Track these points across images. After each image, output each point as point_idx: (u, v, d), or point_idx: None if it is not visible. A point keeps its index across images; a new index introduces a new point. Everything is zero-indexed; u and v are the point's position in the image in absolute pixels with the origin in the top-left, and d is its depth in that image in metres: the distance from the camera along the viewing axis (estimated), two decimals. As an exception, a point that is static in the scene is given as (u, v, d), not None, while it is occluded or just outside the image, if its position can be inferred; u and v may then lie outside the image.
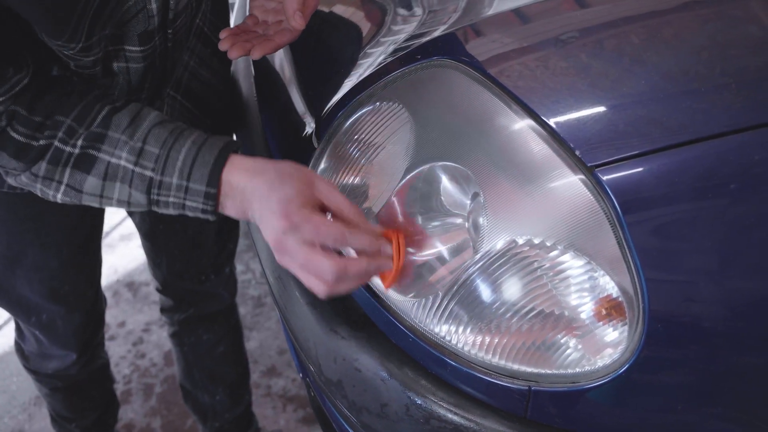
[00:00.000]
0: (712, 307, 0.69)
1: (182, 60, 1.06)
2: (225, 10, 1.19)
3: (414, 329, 0.81)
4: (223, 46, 1.00)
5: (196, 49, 1.10)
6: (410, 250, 0.81)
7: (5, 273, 1.18)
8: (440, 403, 0.79)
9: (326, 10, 1.16)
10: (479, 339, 0.76)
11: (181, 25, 0.95)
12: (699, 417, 0.74)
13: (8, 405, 1.97)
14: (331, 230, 0.75)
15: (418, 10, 1.04)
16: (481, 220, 0.76)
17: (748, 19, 0.82)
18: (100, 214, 1.26)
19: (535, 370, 0.75)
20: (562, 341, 0.73)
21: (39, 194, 0.84)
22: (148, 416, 1.91)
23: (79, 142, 0.81)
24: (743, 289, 0.69)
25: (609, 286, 0.70)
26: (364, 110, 0.89)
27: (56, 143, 0.80)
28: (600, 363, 0.72)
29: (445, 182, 0.82)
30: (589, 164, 0.70)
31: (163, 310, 1.54)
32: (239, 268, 2.31)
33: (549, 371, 0.74)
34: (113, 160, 0.80)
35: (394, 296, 0.82)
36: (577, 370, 0.73)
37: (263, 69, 1.23)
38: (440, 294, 0.77)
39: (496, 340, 0.75)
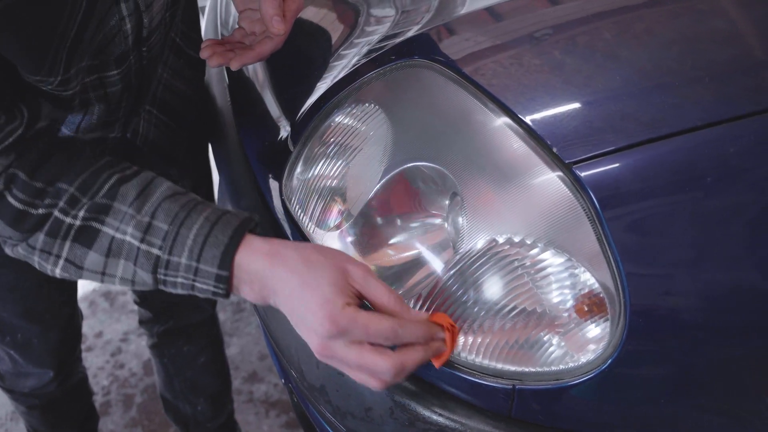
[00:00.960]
0: (691, 300, 0.70)
1: (156, 73, 1.05)
2: (196, 18, 1.18)
3: (396, 331, 0.80)
4: (203, 54, 0.98)
5: (169, 61, 1.08)
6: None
7: None
8: (425, 404, 0.79)
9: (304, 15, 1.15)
10: (462, 339, 0.76)
11: (156, 42, 0.94)
12: (682, 409, 0.74)
13: (-15, 421, 1.93)
14: (381, 329, 0.68)
15: (391, 11, 1.03)
16: (460, 219, 0.76)
17: (714, 13, 0.83)
18: None
19: (519, 369, 0.75)
20: (544, 339, 0.73)
21: (36, 267, 0.78)
22: (129, 427, 1.89)
23: (81, 213, 0.74)
24: (722, 281, 0.69)
25: (590, 282, 0.71)
26: (339, 112, 0.88)
27: (56, 213, 0.74)
28: (583, 359, 0.72)
29: (423, 182, 0.82)
30: (566, 161, 0.70)
31: (141, 322, 1.52)
32: (217, 274, 2.28)
33: (533, 369, 0.74)
34: (118, 235, 0.74)
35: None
36: (561, 367, 0.73)
37: (237, 74, 1.22)
38: (423, 295, 0.76)
39: (479, 340, 0.75)
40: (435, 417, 0.78)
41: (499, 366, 0.75)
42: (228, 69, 1.25)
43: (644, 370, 0.72)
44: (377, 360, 0.68)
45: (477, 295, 0.74)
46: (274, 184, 0.96)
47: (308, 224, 0.89)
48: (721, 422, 0.76)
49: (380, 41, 0.96)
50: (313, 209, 0.89)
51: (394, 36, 0.95)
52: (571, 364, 0.73)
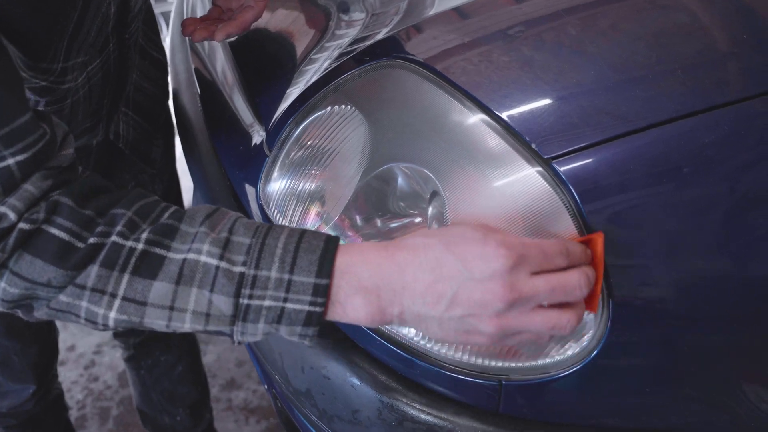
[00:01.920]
0: (672, 290, 0.71)
1: (131, 67, 1.04)
2: (154, 21, 1.18)
3: (381, 332, 0.80)
4: (186, 32, 0.94)
5: (135, 62, 1.08)
6: None
7: None
8: (412, 404, 0.79)
9: (269, 16, 1.15)
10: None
11: (135, 29, 0.94)
12: (666, 398, 0.75)
13: (-44, 441, 1.89)
14: (556, 246, 0.61)
15: (360, 14, 1.03)
16: (441, 218, 0.76)
17: (678, 7, 0.84)
18: None
19: (505, 364, 0.75)
20: (530, 334, 0.74)
21: (83, 320, 0.64)
22: (106, 440, 1.86)
23: (144, 236, 0.62)
24: (702, 270, 0.71)
25: (573, 276, 0.71)
26: (315, 115, 0.88)
27: (113, 238, 0.62)
28: (568, 352, 0.73)
29: (403, 183, 0.82)
30: (545, 156, 0.71)
31: (117, 335, 1.50)
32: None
33: (518, 364, 0.75)
34: (190, 257, 0.62)
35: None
36: (547, 360, 0.73)
37: (207, 81, 1.21)
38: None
39: (465, 338, 0.75)
40: (423, 416, 0.78)
41: (486, 362, 0.76)
42: (198, 74, 1.24)
43: (629, 360, 0.73)
44: (567, 275, 0.60)
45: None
46: (250, 190, 0.96)
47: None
48: (703, 409, 0.77)
49: (352, 43, 0.96)
50: (293, 213, 0.89)
51: (366, 38, 0.95)
52: (556, 357, 0.73)
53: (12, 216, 0.59)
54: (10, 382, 1.28)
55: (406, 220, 0.83)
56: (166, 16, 3.07)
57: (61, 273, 0.61)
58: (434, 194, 0.79)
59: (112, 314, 0.63)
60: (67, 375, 2.02)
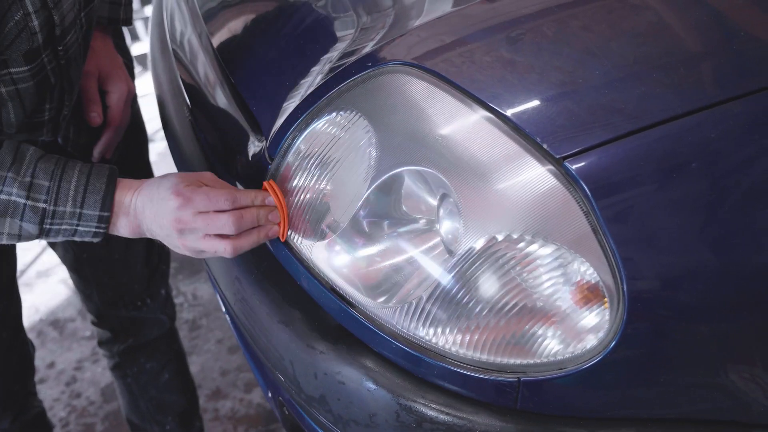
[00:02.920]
0: (685, 281, 0.73)
1: (79, 75, 1.04)
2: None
3: (396, 335, 0.81)
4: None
5: (80, 72, 1.07)
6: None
7: None
8: (430, 405, 0.80)
9: (258, 24, 1.15)
10: (465, 338, 0.77)
11: (72, 42, 0.95)
12: (679, 386, 0.77)
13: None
14: (220, 193, 0.83)
15: (351, 23, 1.04)
16: (454, 220, 0.77)
17: (676, 5, 0.86)
18: (10, 250, 1.19)
19: (523, 361, 0.76)
20: (547, 330, 0.75)
21: None
22: (93, 457, 1.83)
23: None
24: (712, 261, 0.73)
25: (588, 272, 0.73)
26: (319, 122, 0.88)
27: None
28: (586, 346, 0.74)
29: (410, 186, 0.83)
30: (557, 156, 0.72)
31: (101, 343, 1.48)
32: (169, 292, 2.24)
33: (537, 361, 0.76)
34: (2, 197, 0.82)
35: (371, 305, 0.82)
36: (565, 356, 0.75)
37: (195, 91, 1.20)
38: (423, 298, 0.77)
39: (484, 337, 0.76)
40: (442, 416, 0.79)
41: (503, 360, 0.77)
42: (185, 84, 1.23)
43: (643, 351, 0.74)
44: (220, 216, 0.82)
45: (478, 294, 0.76)
46: (252, 198, 0.95)
47: (295, 236, 0.89)
48: (714, 396, 0.79)
49: (348, 52, 0.96)
50: (299, 222, 0.89)
51: (352, 53, 0.94)
52: (573, 353, 0.75)
53: None
54: None
55: (416, 224, 0.83)
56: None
57: None
58: (444, 196, 0.80)
59: None
60: (48, 393, 1.98)
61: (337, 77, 0.89)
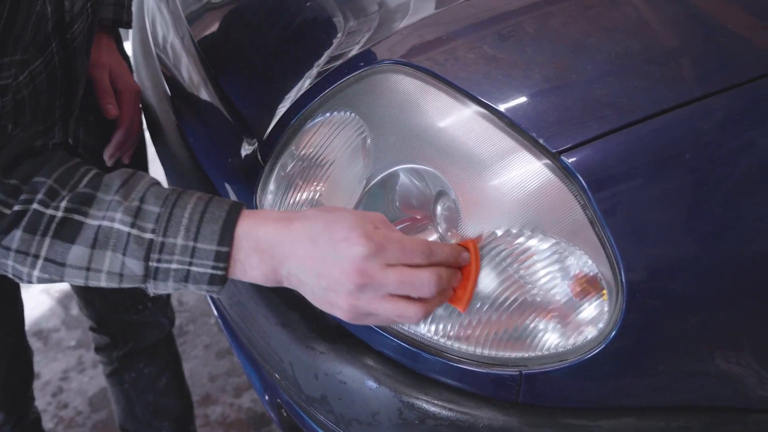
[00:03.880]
0: (682, 271, 0.74)
1: (84, 68, 1.04)
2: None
3: (396, 333, 0.81)
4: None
5: (86, 64, 1.07)
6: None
7: None
8: (433, 401, 0.80)
9: (243, 25, 1.15)
10: (466, 333, 0.77)
11: (79, 31, 0.94)
12: (679, 375, 0.78)
13: None
14: (416, 243, 0.68)
15: (339, 24, 1.04)
16: (452, 217, 0.78)
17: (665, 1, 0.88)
18: None
19: (524, 355, 0.77)
20: (547, 324, 0.76)
21: (11, 274, 0.72)
22: (83, 468, 1.82)
23: (63, 204, 0.69)
24: (707, 250, 0.74)
25: (587, 265, 0.74)
26: (313, 122, 0.88)
27: (35, 206, 0.68)
28: (586, 337, 0.75)
29: (405, 185, 0.83)
30: (553, 150, 0.73)
31: (98, 350, 1.47)
32: (154, 299, 2.22)
33: (537, 354, 0.77)
34: (104, 224, 0.69)
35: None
36: (566, 348, 0.76)
37: (181, 93, 1.20)
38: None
39: (485, 332, 0.76)
40: (445, 412, 0.80)
41: (504, 354, 0.78)
42: (170, 88, 1.22)
43: (642, 341, 0.75)
44: (417, 272, 0.67)
45: (478, 290, 0.76)
46: (246, 200, 0.95)
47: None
48: (712, 383, 0.81)
49: (337, 54, 0.96)
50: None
51: (342, 53, 0.95)
52: (574, 344, 0.76)
53: None
54: None
55: (410, 222, 0.84)
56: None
57: None
58: (441, 193, 0.80)
59: (35, 273, 0.71)
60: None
61: (329, 78, 0.89)
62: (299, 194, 0.89)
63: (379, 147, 0.82)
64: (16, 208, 0.68)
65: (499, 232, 0.74)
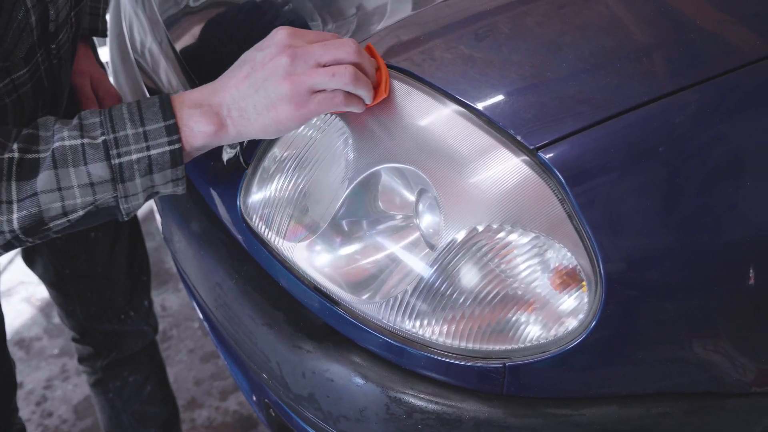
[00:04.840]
0: (659, 261, 0.76)
1: (68, 79, 1.04)
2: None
3: (382, 329, 0.83)
4: None
5: (69, 76, 1.07)
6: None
7: None
8: (419, 395, 0.82)
9: (222, 30, 1.15)
10: (450, 328, 0.79)
11: (64, 41, 0.94)
12: (657, 362, 0.81)
13: None
14: (326, 35, 0.76)
15: (318, 28, 1.05)
16: (434, 215, 0.80)
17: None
18: None
19: (507, 347, 0.79)
20: (529, 316, 0.78)
21: None
22: (70, 476, 1.81)
23: (15, 146, 0.72)
24: (681, 240, 0.76)
25: (566, 257, 0.76)
26: (294, 125, 0.89)
27: None
28: (568, 328, 0.77)
29: (387, 184, 0.85)
30: (531, 147, 0.75)
31: (81, 360, 1.46)
32: (137, 305, 2.22)
33: (520, 346, 0.78)
34: (56, 145, 0.72)
35: (356, 301, 0.84)
36: (548, 339, 0.77)
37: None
38: (408, 291, 0.79)
39: (469, 326, 0.78)
40: (431, 406, 0.81)
41: (488, 347, 0.79)
42: (150, 91, 1.23)
43: (622, 331, 0.78)
44: (338, 41, 0.75)
45: (460, 285, 0.78)
46: (229, 204, 0.96)
47: (275, 239, 0.90)
48: (689, 370, 0.83)
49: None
50: (279, 224, 0.90)
51: None
52: (555, 336, 0.78)
53: None
54: None
55: (392, 221, 0.85)
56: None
57: None
58: (422, 191, 0.82)
59: (15, 216, 0.72)
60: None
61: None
62: (282, 196, 0.90)
63: (360, 147, 0.83)
64: None
65: (480, 228, 0.76)
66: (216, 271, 0.97)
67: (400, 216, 0.85)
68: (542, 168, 0.75)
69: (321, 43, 0.75)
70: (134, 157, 0.73)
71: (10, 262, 2.37)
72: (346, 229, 0.86)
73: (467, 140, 0.78)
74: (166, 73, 1.21)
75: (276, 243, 0.90)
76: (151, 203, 1.32)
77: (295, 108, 0.74)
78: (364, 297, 0.84)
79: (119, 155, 0.73)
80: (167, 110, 0.73)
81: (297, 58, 0.74)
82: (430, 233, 0.80)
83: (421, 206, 0.82)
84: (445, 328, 0.79)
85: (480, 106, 0.78)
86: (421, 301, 0.79)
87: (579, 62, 0.79)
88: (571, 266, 0.76)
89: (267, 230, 0.91)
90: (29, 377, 2.05)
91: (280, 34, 0.75)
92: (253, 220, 0.92)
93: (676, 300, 0.78)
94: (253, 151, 0.93)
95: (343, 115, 0.85)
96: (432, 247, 0.80)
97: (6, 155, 0.71)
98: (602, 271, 0.75)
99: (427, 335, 0.80)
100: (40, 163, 0.72)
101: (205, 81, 1.10)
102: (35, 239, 0.76)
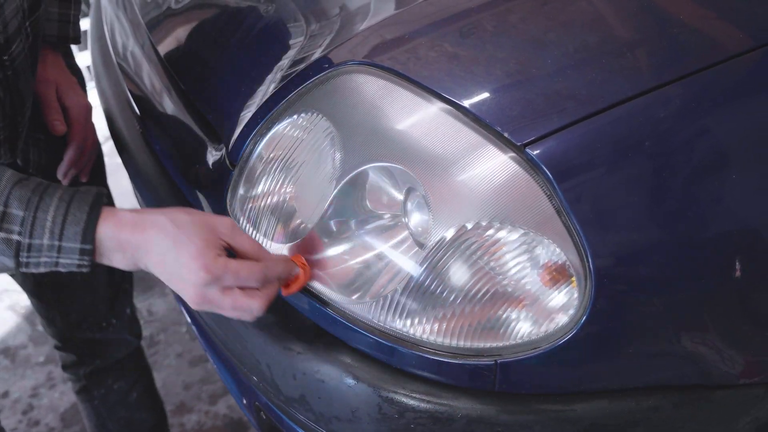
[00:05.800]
0: (647, 255, 0.76)
1: (29, 90, 1.02)
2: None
3: (372, 329, 0.82)
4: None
5: (31, 85, 1.05)
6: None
7: None
8: (411, 394, 0.81)
9: (205, 31, 1.15)
10: (441, 326, 0.79)
11: (18, 52, 0.92)
12: (646, 356, 0.81)
13: None
14: (252, 273, 0.77)
15: (301, 28, 1.05)
16: (423, 213, 0.79)
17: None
18: None
19: (498, 344, 0.79)
20: (519, 313, 0.78)
21: None
22: (58, 484, 1.79)
23: None
24: (669, 234, 0.77)
25: (555, 253, 0.76)
26: (280, 125, 0.89)
27: None
28: (558, 324, 0.77)
29: (376, 183, 0.84)
30: (518, 143, 0.75)
31: (65, 368, 1.45)
32: (123, 310, 2.20)
33: (511, 342, 0.78)
34: None
35: (346, 301, 0.83)
36: (539, 335, 0.78)
37: (144, 102, 1.19)
38: (398, 290, 0.79)
39: (460, 324, 0.78)
40: (424, 405, 0.81)
41: (479, 345, 0.79)
42: (133, 97, 1.22)
43: (612, 325, 0.78)
44: (249, 302, 0.77)
45: (450, 283, 0.78)
46: (215, 206, 0.96)
47: (263, 241, 0.89)
48: (677, 363, 0.83)
49: (300, 57, 0.96)
50: (266, 226, 0.89)
51: (306, 56, 0.95)
52: (546, 332, 0.78)
53: None
54: None
55: (383, 220, 0.85)
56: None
57: None
58: (410, 190, 0.81)
59: None
60: (4, 423, 1.92)
61: (294, 80, 0.89)
62: (269, 198, 0.89)
63: (347, 147, 0.83)
64: None
65: (469, 226, 0.76)
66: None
67: (389, 215, 0.85)
68: (530, 164, 0.75)
69: (233, 296, 0.77)
70: (43, 260, 0.76)
71: (-6, 269, 2.34)
72: (334, 229, 0.86)
73: (454, 138, 0.78)
74: (149, 76, 1.20)
75: (264, 245, 0.89)
76: (134, 202, 1.31)
77: (197, 305, 0.78)
78: (354, 297, 0.84)
79: (29, 257, 0.75)
80: (87, 236, 0.75)
81: (204, 304, 0.77)
82: (419, 232, 0.80)
83: (409, 205, 0.82)
84: (435, 326, 0.79)
85: (466, 103, 0.78)
86: (411, 300, 0.79)
87: (564, 58, 0.79)
88: (560, 262, 0.76)
89: (254, 232, 0.90)
90: (15, 386, 2.04)
91: (199, 278, 0.75)
92: (240, 222, 0.92)
93: (665, 294, 0.78)
94: (239, 152, 0.92)
95: (329, 115, 0.85)
96: (421, 245, 0.80)
97: None
98: (591, 267, 0.75)
99: (417, 334, 0.80)
100: None
101: (188, 83, 1.10)
102: None
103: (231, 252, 0.79)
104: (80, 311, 1.35)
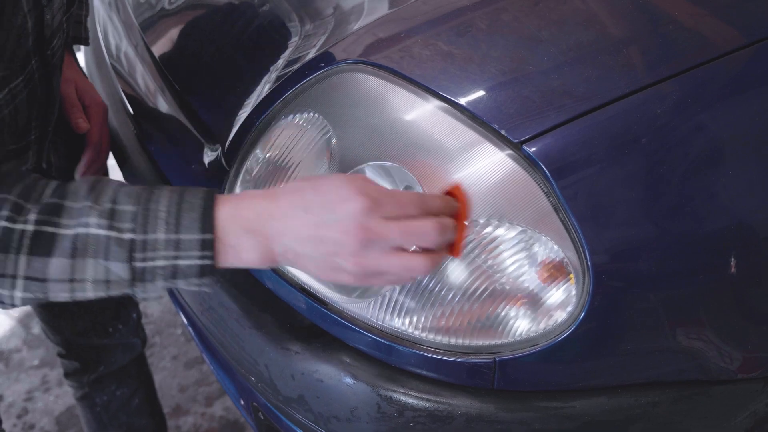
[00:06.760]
0: (644, 251, 0.77)
1: (58, 87, 1.01)
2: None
3: (371, 328, 0.82)
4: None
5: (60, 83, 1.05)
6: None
7: None
8: (410, 393, 0.81)
9: (199, 32, 1.14)
10: (440, 324, 0.79)
11: (58, 47, 0.91)
12: (645, 352, 0.81)
13: None
14: (410, 196, 0.65)
15: (296, 27, 1.04)
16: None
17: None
18: None
19: (497, 342, 0.79)
20: (518, 310, 0.78)
21: None
22: (54, 488, 1.78)
23: (32, 217, 0.64)
24: (666, 230, 0.77)
25: (553, 250, 0.76)
26: (276, 124, 0.89)
27: (2, 223, 0.63)
28: (556, 321, 0.77)
29: (375, 181, 0.84)
30: (515, 141, 0.75)
31: (68, 375, 1.43)
32: (117, 313, 2.19)
33: (510, 340, 0.79)
34: (80, 231, 0.64)
35: (344, 301, 0.83)
36: (537, 332, 0.78)
37: (138, 103, 1.19)
38: (396, 289, 0.79)
39: (458, 322, 0.78)
40: (423, 403, 0.81)
41: (478, 343, 0.79)
42: (128, 98, 1.21)
43: (610, 322, 0.78)
44: (419, 222, 0.64)
45: (448, 281, 0.78)
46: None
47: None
48: (676, 359, 0.84)
49: (295, 58, 0.96)
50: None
51: (302, 55, 0.95)
52: (545, 329, 0.78)
53: None
54: None
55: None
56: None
57: None
58: (408, 188, 0.81)
59: (17, 293, 0.66)
60: (-1, 427, 1.92)
61: (290, 79, 0.89)
62: (266, 197, 0.89)
63: (344, 146, 0.83)
64: None
65: (466, 223, 0.75)
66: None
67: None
68: (527, 161, 0.75)
69: (400, 225, 0.64)
70: (160, 263, 0.65)
71: (-13, 273, 2.33)
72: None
73: (451, 136, 0.78)
74: (143, 77, 1.20)
75: (261, 245, 0.89)
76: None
77: (355, 281, 0.66)
78: (352, 296, 0.84)
79: (144, 260, 0.65)
80: (207, 222, 0.64)
81: (370, 243, 0.64)
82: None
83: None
84: (434, 324, 0.79)
85: (463, 101, 0.78)
86: (409, 299, 0.79)
87: (560, 55, 0.80)
88: (558, 259, 0.76)
89: (251, 232, 0.90)
90: (9, 390, 2.02)
91: (356, 206, 0.63)
92: (237, 222, 0.91)
93: (662, 290, 0.78)
94: (235, 152, 0.92)
95: (326, 114, 0.85)
96: (419, 244, 0.79)
97: (19, 226, 0.64)
98: (589, 263, 0.75)
99: (416, 333, 0.80)
100: (57, 242, 0.64)
101: (182, 83, 1.10)
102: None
103: None
104: (88, 319, 1.34)
